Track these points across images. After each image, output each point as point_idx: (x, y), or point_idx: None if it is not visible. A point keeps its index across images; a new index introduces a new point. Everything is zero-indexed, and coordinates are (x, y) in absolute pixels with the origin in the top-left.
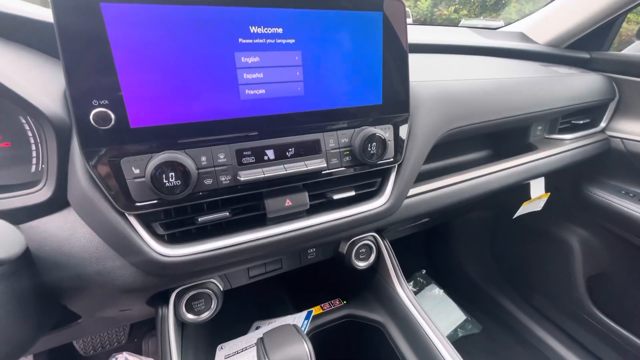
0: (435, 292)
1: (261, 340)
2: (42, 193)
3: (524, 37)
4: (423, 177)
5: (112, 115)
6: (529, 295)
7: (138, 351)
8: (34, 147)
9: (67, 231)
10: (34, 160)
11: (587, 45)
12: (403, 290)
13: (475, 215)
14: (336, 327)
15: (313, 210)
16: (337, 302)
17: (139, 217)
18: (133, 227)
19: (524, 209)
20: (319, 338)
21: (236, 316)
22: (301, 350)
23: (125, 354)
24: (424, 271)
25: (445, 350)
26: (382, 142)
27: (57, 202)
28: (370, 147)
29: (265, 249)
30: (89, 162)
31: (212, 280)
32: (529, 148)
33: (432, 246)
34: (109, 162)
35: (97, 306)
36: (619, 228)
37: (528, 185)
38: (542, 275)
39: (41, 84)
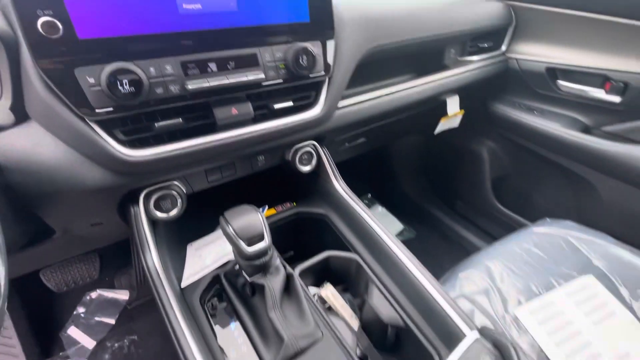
0: (378, 210)
1: (223, 215)
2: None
3: None
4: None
5: (60, 25)
6: (452, 203)
7: (111, 288)
8: None
9: (32, 141)
10: None
11: None
12: (341, 186)
13: (409, 141)
14: (287, 223)
15: (258, 120)
16: (288, 205)
17: (101, 124)
18: (97, 133)
19: (443, 124)
20: (272, 232)
21: (202, 221)
22: (256, 217)
23: (98, 291)
24: (369, 195)
25: (377, 227)
26: (312, 56)
27: (17, 115)
28: (302, 60)
29: (217, 151)
30: (45, 72)
31: (174, 182)
32: (443, 68)
33: (375, 173)
34: (64, 72)
35: (69, 215)
36: (516, 136)
37: (444, 103)
38: (461, 184)
39: None
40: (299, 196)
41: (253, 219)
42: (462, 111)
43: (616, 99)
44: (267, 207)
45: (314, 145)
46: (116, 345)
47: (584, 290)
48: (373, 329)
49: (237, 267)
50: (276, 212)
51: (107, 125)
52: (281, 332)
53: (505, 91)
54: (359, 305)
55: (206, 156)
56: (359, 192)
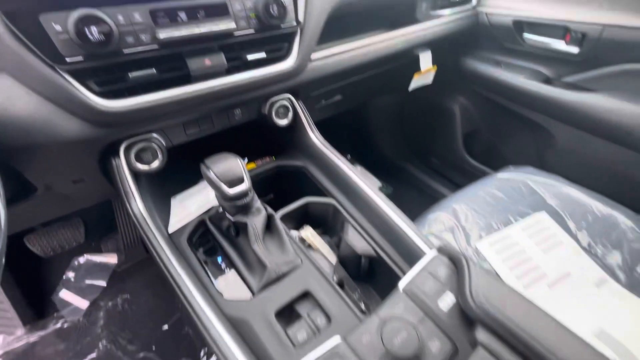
0: (358, 169)
1: (204, 162)
2: None
3: None
4: None
5: None
6: (427, 159)
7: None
8: None
9: (4, 94)
10: None
11: None
12: (317, 139)
13: (385, 102)
14: (267, 177)
15: (231, 71)
16: (268, 159)
17: (73, 75)
18: (70, 83)
19: (416, 80)
20: (253, 185)
21: (184, 177)
22: (236, 162)
23: (86, 256)
24: (348, 155)
25: (353, 174)
26: (283, 6)
27: None
28: (273, 10)
29: (192, 102)
30: (7, 17)
31: (153, 135)
32: (415, 22)
33: (354, 134)
34: (29, 17)
35: (49, 170)
36: (485, 90)
37: (417, 58)
38: (435, 141)
39: None
40: (278, 151)
41: (233, 164)
42: (435, 67)
43: (575, 49)
44: (246, 160)
45: (289, 98)
46: (110, 304)
47: (536, 225)
48: (349, 262)
49: (220, 210)
50: (256, 166)
51: (80, 76)
52: (264, 260)
53: (476, 46)
54: (336, 244)
55: (182, 107)
56: (340, 153)
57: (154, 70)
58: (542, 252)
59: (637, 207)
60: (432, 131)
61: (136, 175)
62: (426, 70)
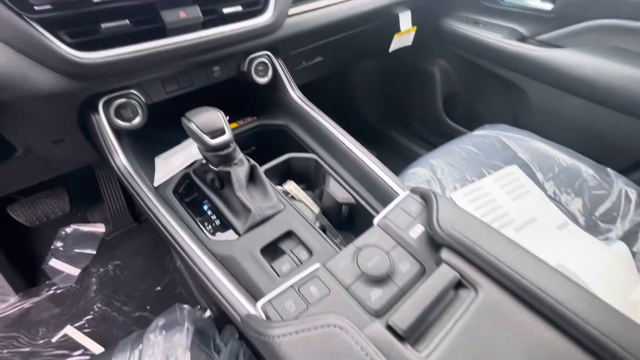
0: None
1: (185, 115)
2: None
3: None
4: None
5: None
6: (409, 124)
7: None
8: None
9: None
10: None
11: None
12: (298, 96)
13: (367, 67)
14: (249, 136)
15: (207, 25)
16: (249, 119)
17: (43, 24)
18: (41, 33)
19: (397, 41)
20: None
21: (166, 138)
22: (216, 114)
23: (73, 226)
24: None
25: (333, 129)
26: None
27: None
28: None
29: (169, 56)
30: None
31: (132, 91)
32: None
33: (338, 102)
34: None
35: (28, 128)
36: (463, 51)
37: (397, 18)
38: (416, 106)
39: None
40: (260, 111)
41: (213, 115)
42: (415, 28)
43: (548, 6)
44: (228, 119)
45: (268, 55)
46: (101, 270)
47: (508, 176)
48: (331, 212)
49: (204, 162)
50: (238, 125)
51: (51, 26)
52: (248, 204)
53: (455, 7)
54: (319, 196)
55: (158, 61)
56: None
57: (127, 22)
58: (512, 201)
59: (599, 157)
60: (413, 96)
61: (118, 133)
62: (406, 30)
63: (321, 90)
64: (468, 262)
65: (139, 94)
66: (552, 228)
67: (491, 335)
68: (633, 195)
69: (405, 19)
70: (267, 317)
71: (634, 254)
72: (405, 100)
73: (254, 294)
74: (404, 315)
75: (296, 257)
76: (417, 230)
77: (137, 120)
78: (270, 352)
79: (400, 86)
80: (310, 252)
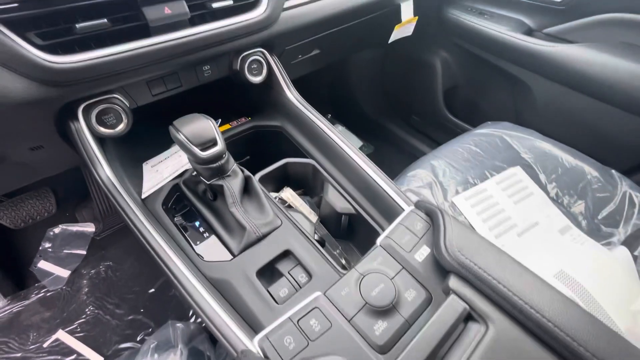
0: (339, 128)
1: (172, 124)
2: None
3: None
4: None
5: None
6: (408, 117)
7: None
8: None
9: None
10: None
11: None
12: (294, 97)
13: (366, 58)
14: (243, 137)
15: (196, 22)
16: (243, 119)
17: (9, 26)
18: (6, 35)
19: (397, 32)
20: (229, 146)
21: (155, 142)
22: (207, 123)
23: (61, 226)
24: (329, 115)
25: (332, 133)
26: None
27: None
28: None
29: (153, 57)
30: None
31: (115, 95)
32: None
33: (336, 95)
34: None
35: (1, 136)
36: (466, 43)
37: (398, 8)
38: (416, 98)
39: None
40: (254, 111)
41: (204, 124)
42: (416, 17)
43: None
44: (220, 122)
45: (262, 52)
46: (92, 272)
47: (510, 178)
48: (329, 221)
49: (194, 173)
50: (231, 126)
51: (17, 26)
52: (243, 222)
53: None
54: (317, 204)
55: (142, 63)
56: (320, 113)
57: (105, 20)
58: (514, 204)
59: (603, 157)
60: (413, 88)
61: (101, 140)
62: (407, 21)
63: (318, 82)
64: (477, 291)
65: (122, 99)
66: (554, 232)
67: None
68: (637, 198)
69: (407, 9)
70: (265, 357)
71: (635, 258)
72: (404, 92)
73: (250, 323)
74: (412, 356)
75: (295, 280)
76: (422, 253)
77: (121, 126)
78: None
79: (400, 77)
80: (309, 274)
